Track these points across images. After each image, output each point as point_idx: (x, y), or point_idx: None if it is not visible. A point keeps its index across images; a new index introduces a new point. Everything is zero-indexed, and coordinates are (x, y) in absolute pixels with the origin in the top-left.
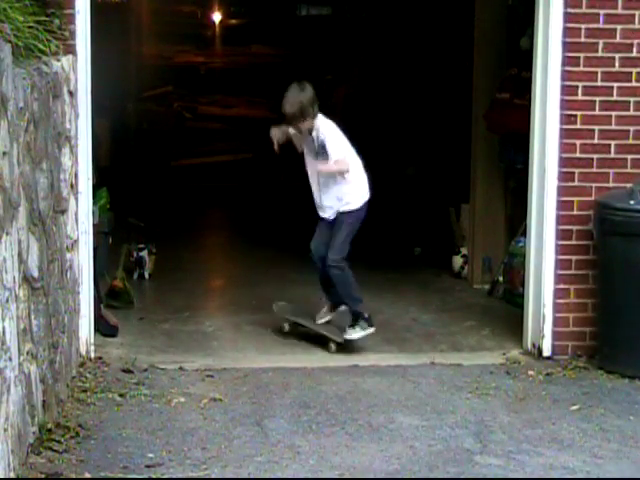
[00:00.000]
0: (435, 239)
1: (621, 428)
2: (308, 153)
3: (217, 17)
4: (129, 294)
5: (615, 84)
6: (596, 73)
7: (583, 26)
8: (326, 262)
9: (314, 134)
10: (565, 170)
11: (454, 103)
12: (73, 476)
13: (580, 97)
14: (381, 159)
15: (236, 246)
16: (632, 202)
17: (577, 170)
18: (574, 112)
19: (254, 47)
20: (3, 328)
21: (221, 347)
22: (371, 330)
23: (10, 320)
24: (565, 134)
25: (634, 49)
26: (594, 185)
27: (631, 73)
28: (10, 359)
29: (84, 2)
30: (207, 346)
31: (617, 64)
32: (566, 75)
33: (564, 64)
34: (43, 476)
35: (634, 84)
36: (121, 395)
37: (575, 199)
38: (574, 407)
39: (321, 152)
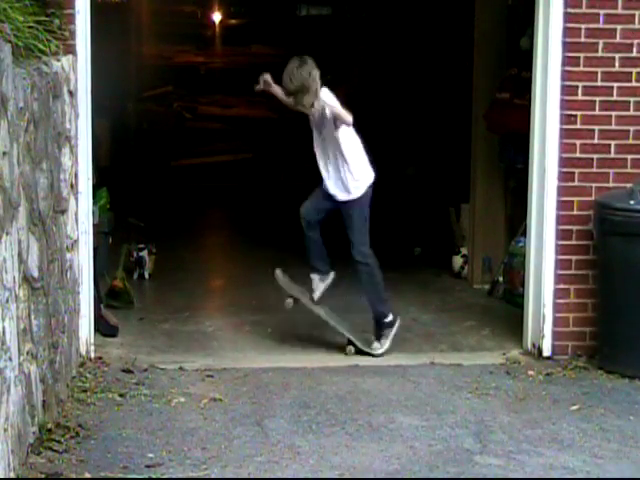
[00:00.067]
0: (435, 239)
1: (621, 428)
2: (314, 130)
3: (217, 17)
4: (129, 294)
5: (615, 84)
6: (596, 73)
7: (583, 26)
8: (353, 259)
9: (316, 107)
10: (565, 170)
11: (454, 103)
12: (73, 476)
13: (580, 97)
14: (381, 159)
15: (236, 246)
16: (632, 202)
17: (577, 170)
18: (574, 112)
19: (254, 47)
20: (3, 328)
21: (221, 347)
22: (396, 327)
23: (10, 320)
24: (565, 134)
25: (634, 49)
26: (594, 185)
27: (631, 73)
28: (10, 359)
29: (84, 2)
30: (207, 346)
31: (617, 64)
32: (566, 75)
33: (564, 64)
34: (43, 476)
35: (634, 84)
36: (121, 395)
37: (575, 199)
38: (574, 407)
39: (323, 123)
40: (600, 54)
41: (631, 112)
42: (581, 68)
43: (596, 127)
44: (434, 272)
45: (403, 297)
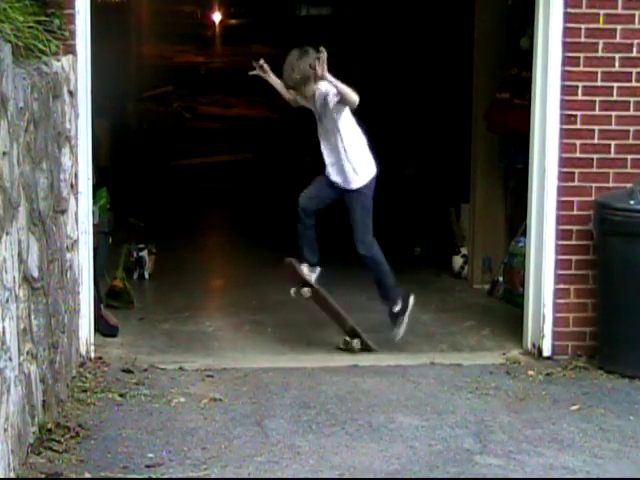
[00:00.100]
0: (435, 239)
1: (621, 428)
2: (317, 120)
3: (217, 17)
4: (129, 294)
5: (615, 84)
6: (596, 73)
7: (583, 26)
8: (358, 253)
9: (317, 96)
10: (565, 170)
11: (454, 103)
12: (73, 476)
13: (580, 97)
14: (381, 159)
15: (236, 246)
16: (632, 202)
17: (577, 170)
18: (574, 112)
19: (254, 47)
20: (3, 328)
21: (221, 347)
22: (410, 306)
23: (10, 320)
24: (565, 134)
25: (634, 49)
26: (594, 185)
27: (631, 73)
28: (10, 359)
29: (84, 2)
30: (207, 346)
31: (617, 64)
32: (566, 75)
33: (564, 64)
34: (43, 476)
35: (634, 84)
36: (121, 395)
37: (575, 199)
38: (574, 407)
39: (325, 113)
40: (600, 54)
41: (631, 112)
42: (581, 68)
43: (596, 127)
44: (434, 272)
45: None
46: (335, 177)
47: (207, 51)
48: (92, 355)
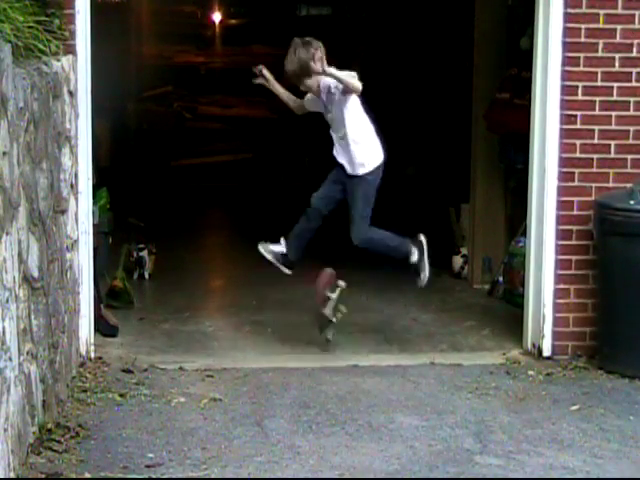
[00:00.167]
0: (435, 239)
1: (621, 428)
2: (324, 111)
3: (217, 17)
4: (129, 294)
5: (615, 84)
6: (596, 73)
7: (583, 26)
8: (353, 242)
9: (322, 85)
10: (565, 170)
11: (454, 103)
12: (73, 476)
13: (580, 97)
14: None
15: (236, 246)
16: (632, 202)
17: (577, 170)
18: (574, 112)
19: (254, 47)
20: (3, 328)
21: (221, 347)
22: (425, 249)
23: (10, 320)
24: (565, 134)
25: (634, 49)
26: (594, 185)
27: (631, 73)
28: (10, 359)
29: (84, 2)
30: (207, 346)
31: (617, 64)
32: (566, 75)
33: (564, 64)
34: (43, 476)
35: (634, 84)
36: (121, 395)
37: (575, 199)
38: (574, 407)
39: (331, 103)
40: (600, 54)
41: (631, 112)
42: (581, 68)
43: (596, 127)
44: (434, 272)
45: (403, 297)
46: (342, 160)
47: (207, 51)
48: (92, 355)
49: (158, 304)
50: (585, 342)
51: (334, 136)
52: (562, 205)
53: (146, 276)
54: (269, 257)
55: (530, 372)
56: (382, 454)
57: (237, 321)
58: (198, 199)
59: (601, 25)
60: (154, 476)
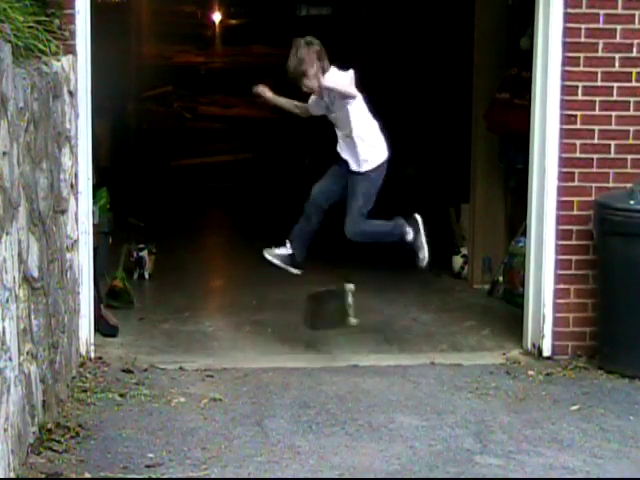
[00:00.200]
0: (435, 239)
1: (621, 428)
2: (327, 112)
3: (217, 17)
4: (129, 294)
5: (615, 84)
6: (596, 73)
7: (583, 26)
8: (346, 235)
9: (323, 88)
10: (565, 170)
11: (454, 103)
12: (73, 476)
13: (580, 97)
14: None
15: (236, 246)
16: (632, 202)
17: (577, 170)
18: (574, 112)
19: (254, 47)
20: (3, 328)
21: (221, 347)
22: (419, 222)
23: (10, 320)
24: (565, 134)
25: (634, 49)
26: (594, 185)
27: (631, 73)
28: (10, 359)
29: (84, 2)
30: (207, 346)
31: (617, 64)
32: (566, 75)
33: (564, 64)
34: (43, 476)
35: (634, 84)
36: (121, 395)
37: (575, 199)
38: (574, 407)
39: (332, 102)
40: (600, 54)
41: (631, 112)
42: (581, 68)
43: (596, 127)
44: (434, 272)
45: (403, 297)
46: (346, 156)
47: (207, 51)
48: (92, 355)
49: (158, 304)
50: (585, 342)
51: (339, 134)
52: (562, 205)
53: (146, 276)
54: (276, 262)
55: (530, 372)
56: (382, 454)
57: (237, 321)
58: (198, 199)
59: (601, 25)
60: (154, 476)
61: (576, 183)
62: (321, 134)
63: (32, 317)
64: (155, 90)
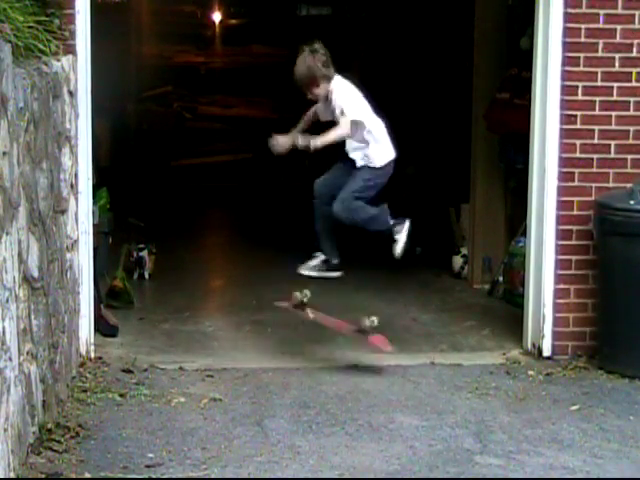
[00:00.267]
0: (435, 239)
1: (621, 428)
2: (335, 118)
3: (217, 17)
4: (129, 294)
5: (615, 84)
6: (596, 73)
7: (583, 26)
8: (330, 210)
9: (330, 98)
10: (565, 170)
11: (454, 103)
12: (73, 476)
13: (580, 97)
14: None
15: (236, 246)
16: (632, 202)
17: (577, 170)
18: (574, 112)
19: (254, 47)
20: (3, 328)
21: (221, 347)
22: (407, 224)
23: (10, 320)
24: (565, 134)
25: (634, 49)
26: (594, 185)
27: (631, 73)
28: (10, 359)
29: (84, 2)
30: (207, 346)
31: (617, 64)
32: (566, 75)
33: (564, 64)
34: (43, 476)
35: (634, 84)
36: (121, 395)
37: (575, 199)
38: (574, 407)
39: (339, 108)
40: (600, 54)
41: (631, 112)
42: (581, 68)
43: (596, 127)
44: (434, 272)
45: (403, 297)
46: (353, 156)
47: (207, 51)
48: (92, 355)
49: (158, 304)
50: (585, 342)
51: (347, 142)
52: (562, 205)
53: (146, 276)
54: (314, 274)
55: (530, 372)
56: (382, 454)
57: (237, 321)
58: (198, 199)
59: (601, 25)
60: (154, 476)
61: (576, 183)
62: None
63: (32, 317)
64: (155, 90)
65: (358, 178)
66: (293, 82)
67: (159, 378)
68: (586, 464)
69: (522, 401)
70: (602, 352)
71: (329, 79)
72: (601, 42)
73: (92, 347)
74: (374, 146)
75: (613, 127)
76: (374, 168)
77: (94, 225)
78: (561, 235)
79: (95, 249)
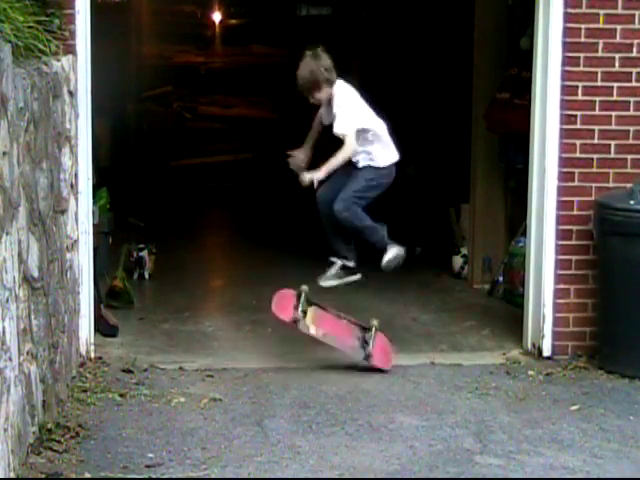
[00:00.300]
0: (435, 239)
1: (621, 428)
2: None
3: (217, 17)
4: (129, 294)
5: (615, 84)
6: (596, 73)
7: (583, 26)
8: (333, 213)
9: (332, 102)
10: (565, 170)
11: (454, 103)
12: (73, 476)
13: (580, 97)
14: None
15: (236, 246)
16: (632, 202)
17: (577, 170)
18: (574, 112)
19: (254, 47)
20: (3, 328)
21: (221, 347)
22: (402, 249)
23: (10, 320)
24: (565, 134)
25: (634, 49)
26: (594, 185)
27: (631, 73)
28: (10, 359)
29: (84, 2)
30: (207, 346)
31: (617, 64)
32: (566, 75)
33: (564, 64)
34: (43, 476)
35: (634, 84)
36: (121, 395)
37: (575, 199)
38: (574, 407)
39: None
40: (600, 54)
41: (631, 112)
42: (581, 68)
43: (596, 127)
44: (434, 272)
45: (403, 297)
46: (357, 157)
47: (207, 51)
48: (92, 355)
49: (158, 304)
50: (585, 342)
51: None
52: (562, 205)
53: (146, 276)
54: (336, 283)
55: (530, 372)
56: (382, 454)
57: (237, 321)
58: (198, 199)
59: (601, 25)
60: (154, 476)
61: (576, 183)
62: (321, 134)
63: (32, 317)
64: (155, 90)
65: (360, 178)
66: (295, 85)
67: (159, 378)
68: (586, 464)
69: (522, 401)
70: (602, 352)
71: (331, 83)
72: (601, 42)
73: (92, 347)
74: (378, 146)
75: (613, 127)
76: (377, 168)
77: (94, 225)
78: (561, 235)
79: (95, 249)
